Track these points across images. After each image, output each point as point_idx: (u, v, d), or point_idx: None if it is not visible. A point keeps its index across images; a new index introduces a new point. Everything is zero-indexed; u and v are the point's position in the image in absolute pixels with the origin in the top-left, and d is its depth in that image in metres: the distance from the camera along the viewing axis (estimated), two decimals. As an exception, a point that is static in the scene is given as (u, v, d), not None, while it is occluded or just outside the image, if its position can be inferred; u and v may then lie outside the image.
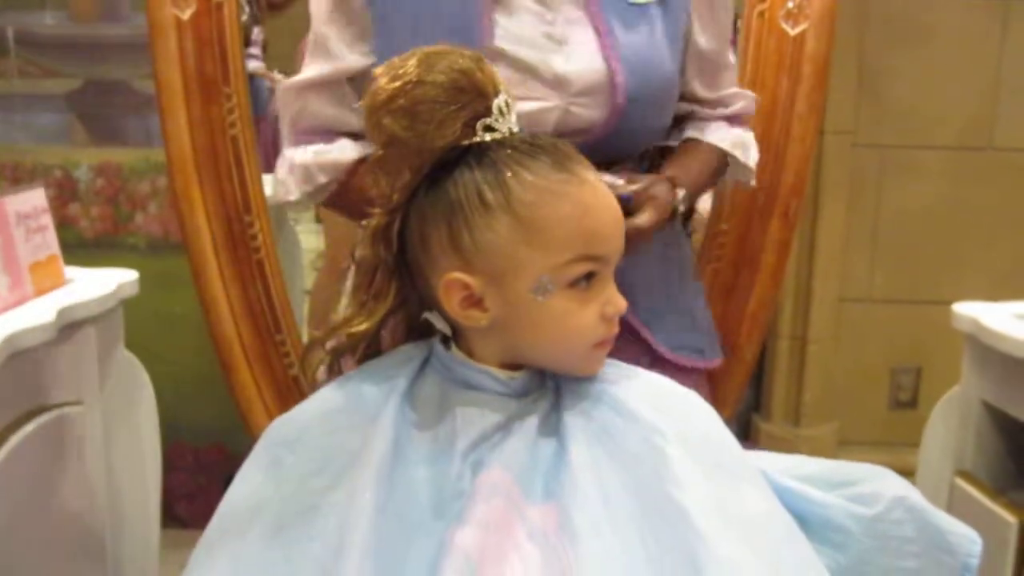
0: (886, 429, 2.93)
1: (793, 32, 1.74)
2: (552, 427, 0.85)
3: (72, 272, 1.64)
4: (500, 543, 0.75)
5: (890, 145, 2.82)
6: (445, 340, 0.89)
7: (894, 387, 2.95)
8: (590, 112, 1.18)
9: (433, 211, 0.85)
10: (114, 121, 2.72)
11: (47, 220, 1.58)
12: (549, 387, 0.88)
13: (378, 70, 0.85)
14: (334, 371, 0.92)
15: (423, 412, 0.87)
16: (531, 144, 0.85)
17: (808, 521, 0.89)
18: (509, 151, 0.84)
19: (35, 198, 1.56)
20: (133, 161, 2.63)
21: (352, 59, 1.24)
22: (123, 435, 1.69)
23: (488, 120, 0.84)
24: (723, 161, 1.36)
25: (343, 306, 0.94)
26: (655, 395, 0.88)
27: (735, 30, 1.63)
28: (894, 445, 2.70)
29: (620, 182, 1.13)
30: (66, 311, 1.46)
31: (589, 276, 0.84)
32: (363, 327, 0.89)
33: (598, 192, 0.85)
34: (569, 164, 0.84)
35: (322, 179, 1.24)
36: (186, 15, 1.76)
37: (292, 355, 1.95)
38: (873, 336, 2.91)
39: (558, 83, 1.17)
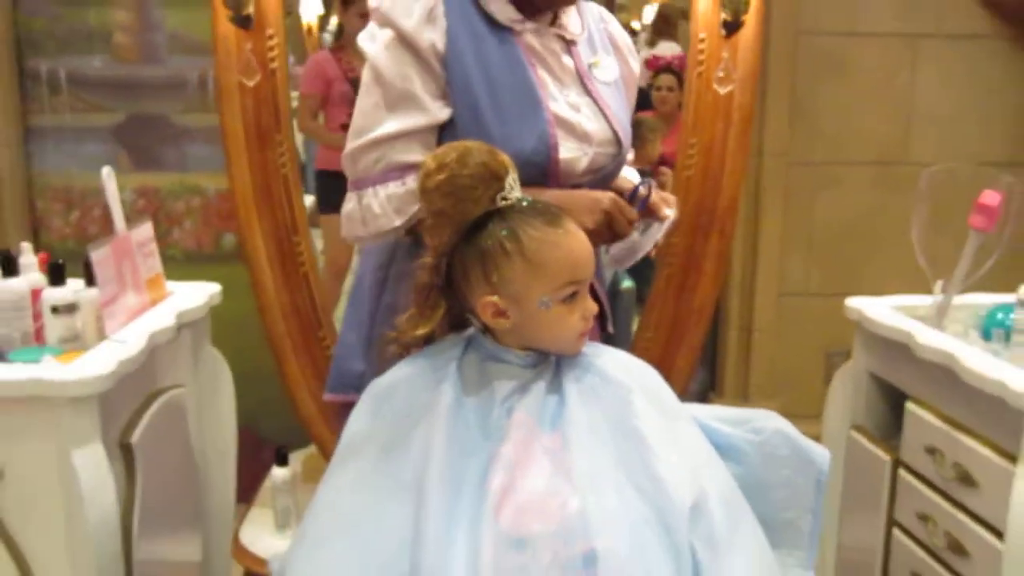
0: (822, 403, 3.10)
1: (723, 91, 2.21)
2: (555, 386, 1.30)
3: (171, 285, 2.08)
4: (527, 456, 1.21)
5: (820, 162, 3.18)
6: (483, 331, 1.36)
7: (828, 368, 3.22)
8: (604, 159, 1.58)
9: (471, 257, 1.28)
10: (153, 150, 3.01)
11: (154, 246, 2.02)
12: (551, 361, 1.33)
13: (427, 158, 1.26)
14: (403, 356, 1.38)
15: (469, 376, 1.32)
16: (532, 208, 1.29)
17: (719, 446, 1.35)
18: (518, 214, 1.28)
19: (146, 229, 2.00)
20: (170, 184, 2.98)
21: (440, 112, 1.47)
22: (210, 416, 2.09)
23: (503, 193, 1.28)
24: None
25: (407, 316, 1.34)
26: (622, 365, 1.34)
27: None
28: None
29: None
30: (179, 315, 1.90)
31: (574, 294, 1.29)
32: (425, 330, 1.34)
33: (579, 238, 1.30)
34: (559, 221, 1.29)
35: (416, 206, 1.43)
36: (252, 83, 2.20)
37: (330, 346, 2.36)
38: (809, 325, 3.24)
39: (586, 137, 1.53)
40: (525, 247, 1.25)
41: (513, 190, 1.28)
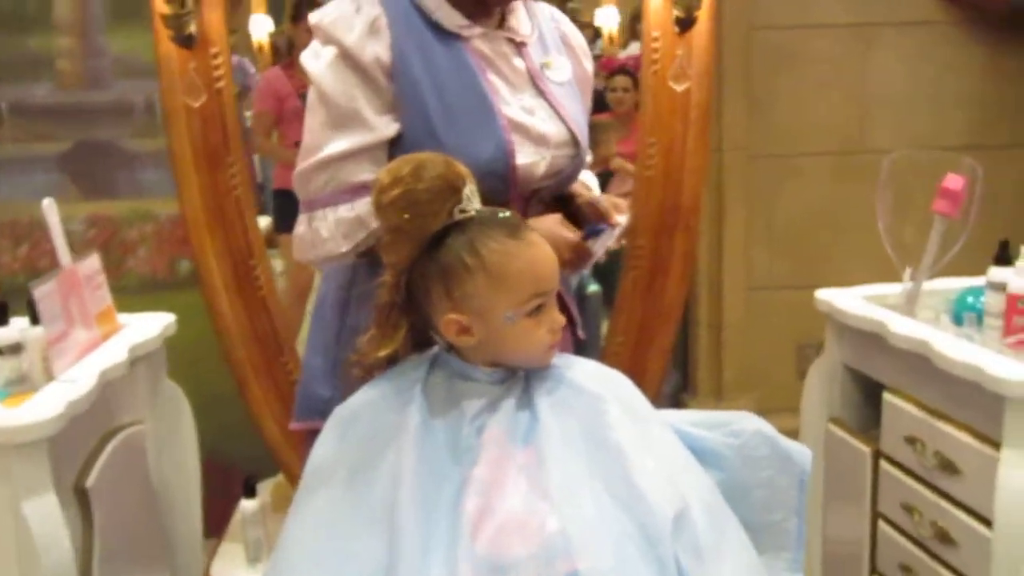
0: (796, 397, 3.09)
1: (679, 89, 2.19)
2: (526, 401, 1.26)
3: (123, 318, 2.02)
4: (501, 475, 1.17)
5: (780, 155, 3.18)
6: (448, 349, 1.32)
7: (800, 360, 3.22)
8: (562, 161, 1.55)
9: (431, 272, 1.24)
10: (103, 177, 2.94)
11: (102, 278, 1.96)
12: (520, 376, 1.29)
13: (381, 173, 1.22)
14: (366, 379, 1.33)
15: (436, 396, 1.27)
16: (492, 220, 1.24)
17: (697, 451, 1.31)
18: (478, 226, 1.23)
19: (93, 261, 1.94)
20: (122, 212, 2.90)
21: (387, 128, 1.44)
22: (171, 451, 2.04)
23: (461, 205, 1.23)
24: None
25: (368, 337, 1.30)
26: (593, 374, 1.31)
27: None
28: None
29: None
30: (132, 349, 1.84)
31: (539, 306, 1.25)
32: (388, 351, 1.29)
33: (540, 249, 1.26)
34: (519, 232, 1.25)
35: (374, 224, 1.37)
36: (197, 104, 2.15)
37: (294, 372, 2.32)
38: (778, 318, 3.23)
39: (543, 140, 1.50)
40: (486, 261, 1.22)
41: (471, 201, 1.25)
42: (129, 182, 2.96)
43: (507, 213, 1.29)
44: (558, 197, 1.62)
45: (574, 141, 1.55)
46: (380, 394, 1.29)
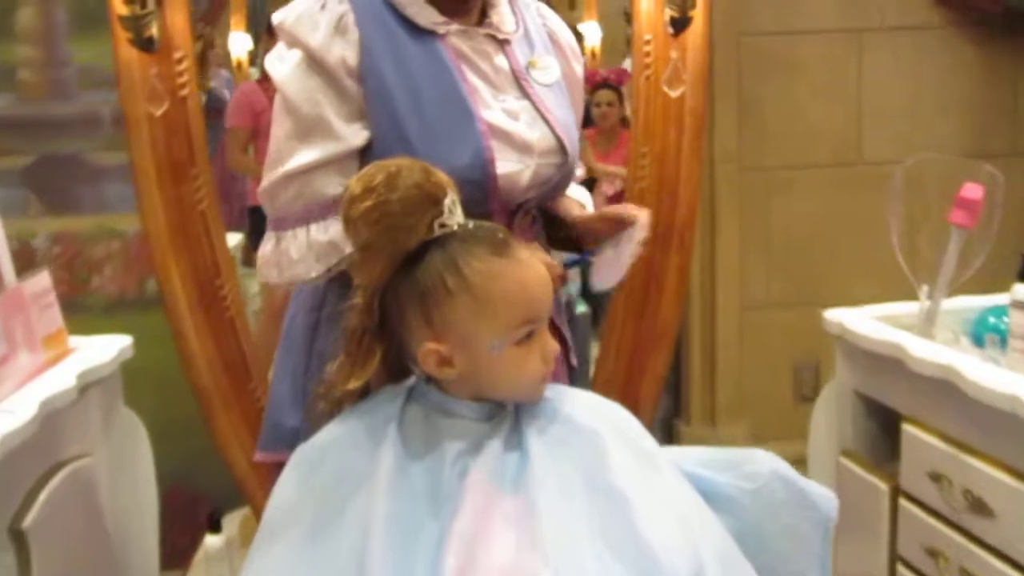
0: (793, 422, 3.00)
1: (674, 94, 2.06)
2: (516, 440, 1.12)
3: (75, 340, 1.87)
4: (486, 526, 1.03)
5: (773, 167, 3.08)
6: (427, 380, 1.17)
7: (797, 383, 3.17)
8: (548, 170, 1.43)
9: (407, 294, 1.11)
10: (68, 192, 2.82)
11: (53, 297, 1.81)
12: (508, 411, 1.15)
13: (351, 182, 1.08)
14: (334, 413, 1.18)
15: (412, 435, 1.13)
16: (476, 236, 1.11)
17: (709, 496, 1.17)
18: (460, 243, 1.10)
19: (43, 279, 1.79)
20: (88, 228, 2.76)
21: (356, 137, 1.35)
22: (125, 484, 1.89)
23: (441, 219, 1.10)
24: None
25: (336, 365, 1.16)
26: (591, 408, 1.17)
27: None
28: (802, 437, 2.85)
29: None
30: (81, 375, 1.69)
31: (530, 333, 1.11)
32: (358, 382, 1.15)
33: (531, 268, 1.12)
34: (507, 250, 1.11)
35: (348, 248, 1.27)
36: (159, 112, 2.00)
37: (263, 399, 2.17)
38: (774, 339, 3.12)
39: (527, 148, 1.39)
40: (469, 282, 1.08)
41: (453, 214, 1.11)
42: (95, 197, 2.85)
43: (493, 227, 1.15)
44: (548, 218, 1.51)
45: (561, 148, 1.43)
46: (349, 431, 1.15)
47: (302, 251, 1.35)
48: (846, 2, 3.07)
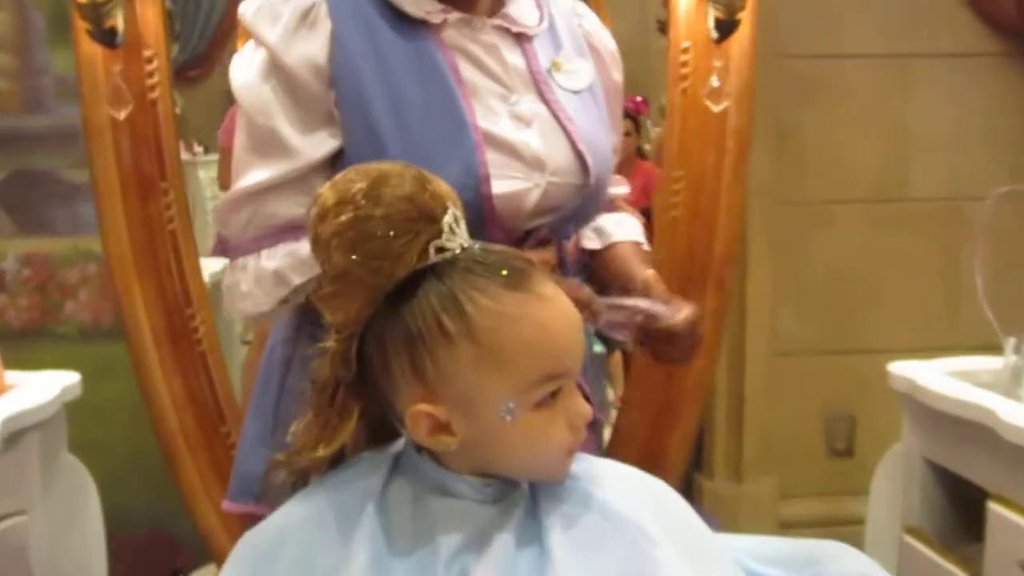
0: (825, 479, 2.93)
1: (717, 109, 1.80)
2: (532, 532, 0.86)
3: (13, 376, 1.61)
4: None
5: (810, 201, 2.86)
6: (418, 448, 0.90)
7: (829, 437, 2.95)
8: (564, 192, 1.19)
9: (393, 339, 0.86)
10: (41, 211, 2.64)
11: (-14, 329, 1.56)
12: (522, 492, 0.89)
13: (322, 190, 0.85)
14: (298, 487, 0.92)
15: (399, 519, 0.87)
16: (484, 263, 0.86)
17: (777, 601, 0.92)
18: (464, 272, 0.85)
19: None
20: (62, 250, 2.59)
21: (317, 150, 1.16)
22: (69, 541, 1.66)
23: (440, 241, 0.85)
24: None
25: (303, 425, 0.93)
26: (631, 491, 0.90)
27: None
28: (834, 495, 2.75)
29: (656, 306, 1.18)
30: (11, 420, 1.44)
31: (555, 392, 0.86)
32: (329, 449, 0.89)
33: (556, 307, 0.87)
34: (525, 282, 0.86)
35: (297, 279, 1.14)
36: (122, 115, 1.76)
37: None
38: (806, 388, 2.91)
39: (537, 163, 1.17)
40: (474, 324, 0.83)
41: (455, 235, 0.86)
42: (70, 217, 2.63)
43: (507, 252, 0.89)
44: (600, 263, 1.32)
45: (583, 166, 1.19)
46: (314, 513, 0.89)
47: (250, 283, 1.16)
48: (893, 25, 2.85)
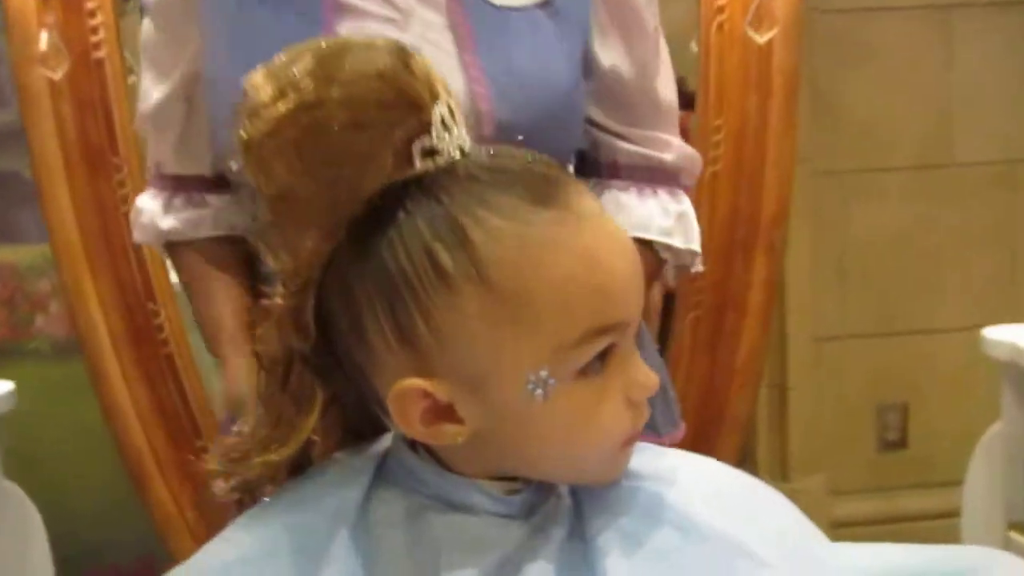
0: (877, 473, 2.76)
1: (761, 40, 1.54)
2: (579, 558, 0.60)
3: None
4: None
5: (849, 170, 2.68)
6: (411, 444, 0.64)
7: (880, 427, 2.77)
8: None
9: (364, 287, 0.60)
10: (6, 216, 2.48)
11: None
12: (563, 497, 0.63)
13: (254, 78, 0.59)
14: (246, 503, 0.65)
15: (387, 545, 0.62)
16: (494, 169, 0.60)
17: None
18: (466, 185, 0.59)
19: None
20: (29, 259, 2.42)
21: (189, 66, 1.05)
22: None
23: (428, 140, 0.59)
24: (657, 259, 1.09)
25: (250, 420, 0.66)
26: (719, 491, 0.64)
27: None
28: (887, 490, 2.64)
29: None
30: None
31: (605, 353, 0.60)
32: (286, 452, 0.64)
33: (603, 230, 0.60)
34: (557, 194, 0.59)
35: (167, 225, 1.06)
36: (58, 75, 1.52)
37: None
38: (853, 374, 2.74)
39: None
40: (485, 259, 0.58)
41: (451, 134, 0.60)
42: (38, 223, 2.36)
43: (527, 157, 0.62)
44: None
45: (479, 120, 0.94)
46: (266, 544, 0.63)
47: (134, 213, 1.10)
48: None
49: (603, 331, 0.58)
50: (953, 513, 2.58)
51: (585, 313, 0.57)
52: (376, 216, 0.58)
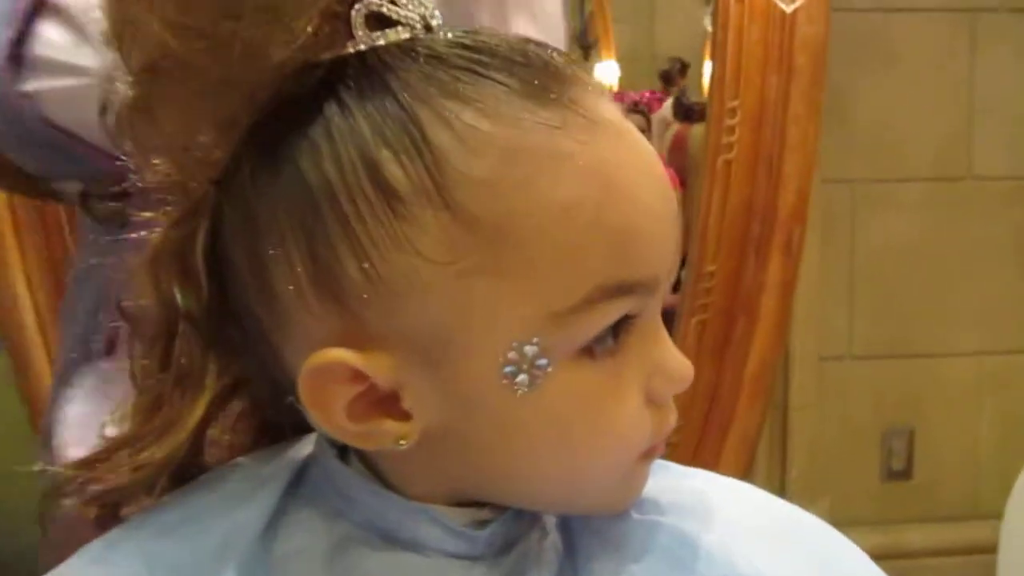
0: (880, 503, 2.65)
1: (788, 8, 1.37)
2: None
3: None
4: None
5: (861, 179, 2.54)
6: (339, 451, 0.45)
7: (885, 454, 2.65)
8: None
9: (271, 213, 0.42)
10: None
11: None
12: (549, 530, 0.44)
13: None
14: (106, 522, 0.47)
15: None
16: (471, 48, 0.42)
17: None
18: (428, 66, 0.41)
19: None
20: None
21: None
22: None
23: (376, 2, 0.42)
24: None
25: (117, 410, 0.49)
26: (770, 529, 0.46)
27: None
28: (891, 522, 2.53)
29: None
30: None
31: (620, 326, 0.43)
32: (164, 452, 0.46)
33: (626, 142, 0.43)
34: (560, 86, 0.42)
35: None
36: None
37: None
38: (859, 397, 2.61)
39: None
40: (452, 172, 0.40)
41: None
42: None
43: (524, 39, 0.43)
44: None
45: None
46: None
47: None
48: None
49: (620, 291, 0.40)
50: (957, 551, 2.47)
51: (596, 261, 0.40)
52: (294, 107, 0.40)
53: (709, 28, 1.58)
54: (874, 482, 2.64)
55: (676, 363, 0.44)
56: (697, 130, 2.42)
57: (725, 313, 1.52)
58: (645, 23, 2.65)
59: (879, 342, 2.61)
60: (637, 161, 0.42)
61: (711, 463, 1.53)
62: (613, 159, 0.41)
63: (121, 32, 0.40)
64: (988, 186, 2.59)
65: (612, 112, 0.42)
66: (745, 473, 1.63)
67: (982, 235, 2.58)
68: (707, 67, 1.92)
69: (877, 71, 2.50)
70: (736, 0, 1.46)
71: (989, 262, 2.59)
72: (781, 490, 2.57)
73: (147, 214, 0.43)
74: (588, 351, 0.42)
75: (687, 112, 2.54)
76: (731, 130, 1.48)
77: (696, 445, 1.55)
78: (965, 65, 2.57)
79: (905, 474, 2.65)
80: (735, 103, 1.49)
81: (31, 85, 0.76)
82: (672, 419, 0.45)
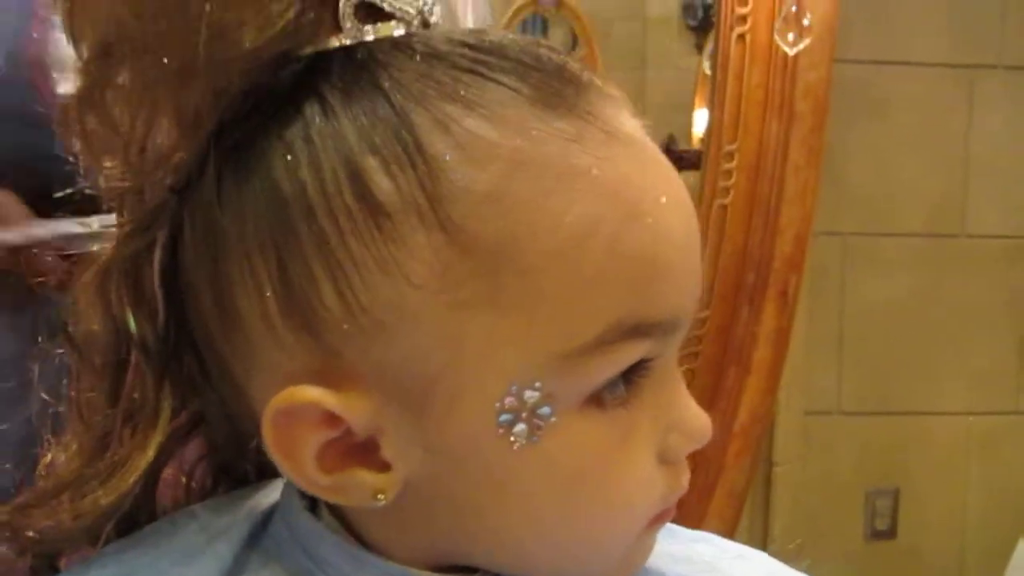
0: (863, 563, 2.63)
1: (790, 51, 1.35)
2: None
3: None
4: None
5: (851, 233, 2.54)
6: (311, 503, 0.40)
7: (869, 514, 2.62)
8: None
9: (239, 227, 0.37)
10: None
11: None
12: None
13: None
14: (40, 574, 0.41)
15: None
16: (475, 47, 0.37)
17: None
18: (425, 65, 0.37)
19: None
20: None
21: None
22: None
23: None
24: None
25: (57, 449, 0.44)
26: None
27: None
28: None
29: None
30: None
31: (633, 371, 0.38)
32: (110, 497, 0.40)
33: (648, 160, 0.39)
34: (576, 94, 0.37)
35: None
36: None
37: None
38: (844, 454, 2.59)
39: None
40: (445, 184, 0.34)
41: None
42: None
43: (532, 40, 0.39)
44: None
45: None
46: None
47: None
48: (958, 32, 2.57)
49: (638, 331, 0.35)
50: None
51: (611, 296, 0.35)
52: (268, 106, 0.35)
53: (708, 71, 1.55)
54: (858, 541, 2.61)
55: (695, 417, 0.40)
56: (688, 178, 2.39)
57: (716, 362, 1.48)
58: (637, 71, 2.64)
59: (867, 398, 2.58)
60: (660, 182, 0.37)
61: (697, 518, 1.48)
62: (634, 178, 0.36)
63: (71, 6, 0.35)
64: (982, 244, 2.58)
65: (633, 126, 0.38)
66: (731, 525, 1.57)
67: (974, 294, 2.57)
68: (697, 115, 1.91)
69: (872, 124, 2.50)
70: (737, 41, 1.43)
71: (981, 321, 2.57)
72: (762, 545, 2.63)
73: (95, 223, 0.38)
74: (597, 399, 0.37)
75: (678, 160, 2.51)
76: (728, 174, 1.44)
77: (681, 499, 1.50)
78: (962, 121, 2.56)
79: (889, 534, 2.61)
80: (733, 147, 1.45)
81: (64, 87, 0.75)
82: (685, 480, 0.41)
